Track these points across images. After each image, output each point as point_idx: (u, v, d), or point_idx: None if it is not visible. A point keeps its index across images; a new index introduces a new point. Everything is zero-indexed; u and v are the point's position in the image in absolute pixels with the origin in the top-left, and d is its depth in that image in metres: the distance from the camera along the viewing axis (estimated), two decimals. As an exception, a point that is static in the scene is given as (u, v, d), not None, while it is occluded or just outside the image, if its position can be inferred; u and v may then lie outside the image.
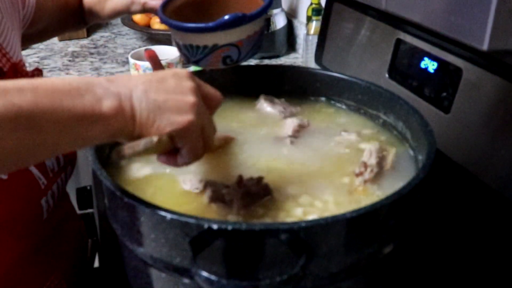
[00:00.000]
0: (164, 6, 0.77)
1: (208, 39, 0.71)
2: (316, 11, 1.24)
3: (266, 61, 1.48)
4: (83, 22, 0.96)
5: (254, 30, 0.73)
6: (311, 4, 1.33)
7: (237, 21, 0.69)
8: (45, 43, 1.73)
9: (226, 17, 0.68)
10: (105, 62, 1.57)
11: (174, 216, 0.46)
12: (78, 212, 0.92)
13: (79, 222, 0.89)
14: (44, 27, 0.92)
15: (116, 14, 0.89)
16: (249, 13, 0.71)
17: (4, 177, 0.63)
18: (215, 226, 0.45)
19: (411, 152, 0.67)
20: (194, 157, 0.52)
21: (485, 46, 0.44)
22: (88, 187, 0.96)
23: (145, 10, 0.84)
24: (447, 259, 0.72)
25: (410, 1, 0.52)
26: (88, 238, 0.93)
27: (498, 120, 0.71)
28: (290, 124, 0.73)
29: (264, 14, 0.74)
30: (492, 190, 0.71)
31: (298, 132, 0.72)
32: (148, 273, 0.55)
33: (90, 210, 0.97)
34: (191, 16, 0.79)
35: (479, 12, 0.43)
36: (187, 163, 0.52)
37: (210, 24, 0.69)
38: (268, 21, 1.43)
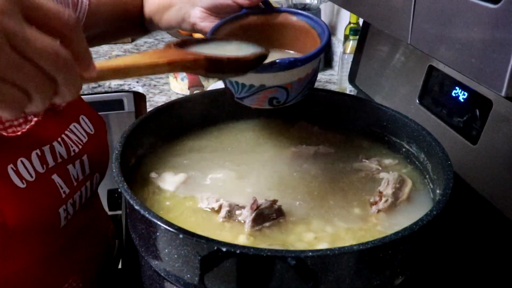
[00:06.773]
0: (216, 29, 0.70)
1: (255, 79, 0.65)
2: (354, 30, 1.24)
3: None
4: (145, 29, 0.97)
5: (306, 72, 0.66)
6: (349, 23, 1.33)
7: (288, 66, 0.63)
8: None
9: (277, 61, 0.62)
10: (146, 68, 1.63)
11: (186, 235, 0.49)
12: (109, 213, 0.94)
13: (107, 225, 0.91)
14: (101, 32, 0.93)
15: (170, 27, 0.89)
16: (302, 56, 0.64)
17: (23, 185, 0.63)
18: (224, 249, 0.47)
19: (431, 185, 0.67)
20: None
21: (503, 92, 0.44)
22: (120, 189, 0.99)
23: (194, 30, 0.81)
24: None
25: (433, 38, 0.52)
26: (116, 239, 0.96)
27: (526, 157, 0.70)
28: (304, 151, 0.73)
29: (318, 57, 0.66)
30: (515, 227, 0.70)
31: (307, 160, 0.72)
32: (162, 284, 0.58)
33: (119, 212, 1.00)
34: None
35: (500, 58, 0.43)
36: None
37: None
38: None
